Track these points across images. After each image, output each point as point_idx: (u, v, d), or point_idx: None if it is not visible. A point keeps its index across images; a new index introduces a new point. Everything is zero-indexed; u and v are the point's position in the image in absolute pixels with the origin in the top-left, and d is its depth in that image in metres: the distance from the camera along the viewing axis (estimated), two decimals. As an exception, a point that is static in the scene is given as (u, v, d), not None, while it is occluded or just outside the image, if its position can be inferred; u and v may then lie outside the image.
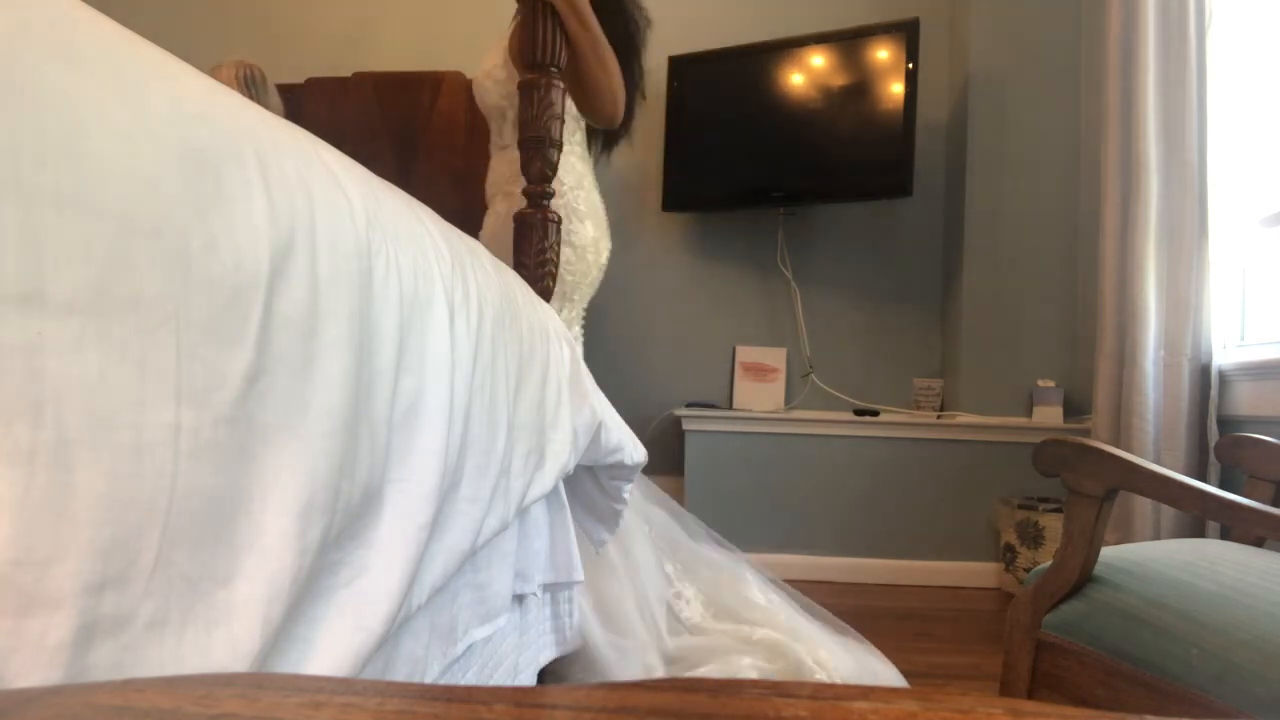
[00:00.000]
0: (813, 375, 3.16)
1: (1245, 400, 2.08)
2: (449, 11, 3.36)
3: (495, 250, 1.64)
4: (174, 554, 0.42)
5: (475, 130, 2.69)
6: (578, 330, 2.00)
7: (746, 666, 1.61)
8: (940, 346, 3.20)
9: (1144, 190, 2.23)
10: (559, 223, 1.69)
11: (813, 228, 3.20)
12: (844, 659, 1.75)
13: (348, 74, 2.76)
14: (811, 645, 1.73)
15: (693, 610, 1.76)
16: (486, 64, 1.91)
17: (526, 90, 1.61)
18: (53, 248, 0.36)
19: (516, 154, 1.78)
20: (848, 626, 1.94)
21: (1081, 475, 1.10)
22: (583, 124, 1.97)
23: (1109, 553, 1.15)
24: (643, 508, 1.86)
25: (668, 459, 3.07)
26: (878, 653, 1.87)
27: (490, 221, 1.96)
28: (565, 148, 1.85)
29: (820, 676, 1.67)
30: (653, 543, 1.81)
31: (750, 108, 3.02)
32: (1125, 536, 2.19)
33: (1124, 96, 2.34)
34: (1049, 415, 2.82)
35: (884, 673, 1.80)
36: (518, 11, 1.72)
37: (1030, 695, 1.12)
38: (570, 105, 1.84)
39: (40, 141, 0.36)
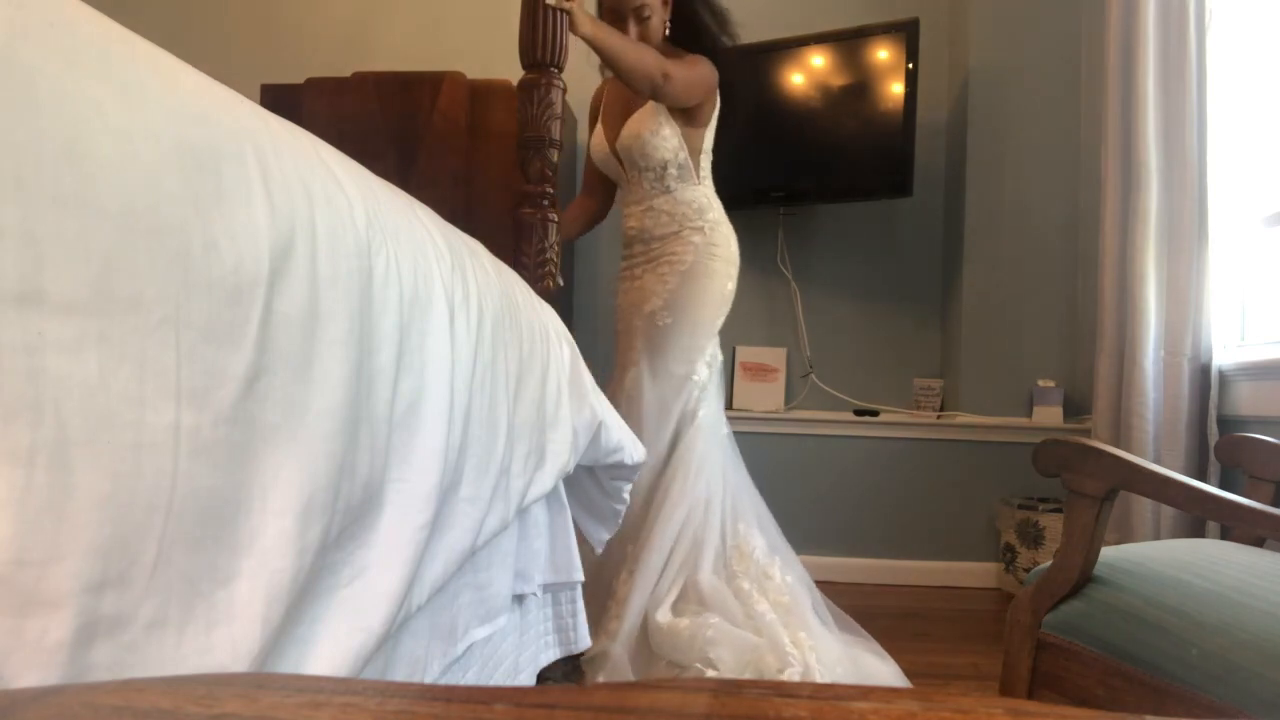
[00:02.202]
0: (813, 375, 3.16)
1: (1245, 400, 2.08)
2: (449, 11, 3.36)
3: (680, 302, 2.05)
4: (174, 554, 0.42)
5: (475, 130, 2.69)
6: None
7: (715, 624, 1.76)
8: (940, 346, 3.20)
9: (1144, 190, 2.23)
10: (559, 222, 1.69)
11: (813, 228, 3.20)
12: (830, 645, 1.80)
13: (348, 74, 2.76)
14: (794, 629, 1.80)
15: (740, 565, 1.94)
16: (647, 124, 2.06)
17: (526, 90, 1.61)
18: (53, 248, 0.36)
19: (677, 196, 2.11)
20: (855, 624, 1.94)
21: (1082, 475, 1.10)
22: (709, 158, 2.19)
23: (1109, 553, 1.15)
24: (741, 475, 2.10)
25: (668, 459, 3.07)
26: (880, 650, 1.87)
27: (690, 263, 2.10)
28: (707, 184, 2.16)
29: (790, 651, 1.72)
30: (734, 502, 2.02)
31: (750, 108, 3.01)
32: (1125, 536, 2.18)
33: (1124, 96, 2.34)
34: (1049, 415, 2.82)
35: (879, 668, 1.82)
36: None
37: (1030, 695, 1.12)
38: (703, 143, 2.15)
39: (40, 141, 0.36)
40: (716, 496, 2.00)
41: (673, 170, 2.10)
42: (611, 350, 2.53)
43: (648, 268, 2.12)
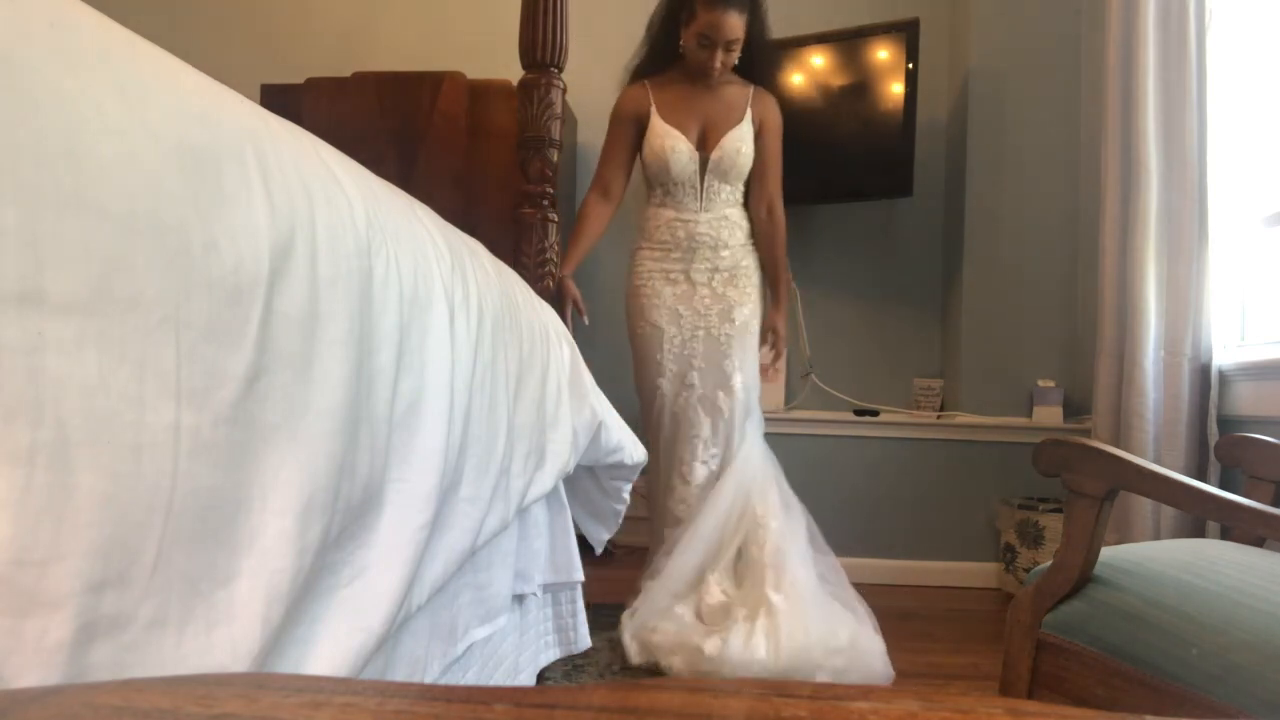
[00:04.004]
0: (813, 375, 3.16)
1: (1245, 400, 2.08)
2: (449, 11, 3.36)
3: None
4: (174, 554, 0.42)
5: (475, 131, 2.69)
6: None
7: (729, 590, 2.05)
8: (940, 346, 3.20)
9: (1144, 190, 2.23)
10: (559, 222, 1.69)
11: (813, 228, 3.20)
12: (804, 586, 2.00)
13: (348, 74, 2.76)
14: (760, 582, 2.01)
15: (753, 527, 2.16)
16: (745, 140, 2.23)
17: (526, 90, 1.61)
18: (53, 248, 0.36)
19: (741, 209, 2.31)
20: (857, 604, 2.05)
21: (1082, 475, 1.10)
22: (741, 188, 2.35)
23: (1109, 553, 1.15)
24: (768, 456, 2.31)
25: (668, 459, 3.06)
26: (861, 614, 1.99)
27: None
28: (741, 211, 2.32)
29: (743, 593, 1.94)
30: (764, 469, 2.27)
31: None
32: (1125, 536, 2.18)
33: (1124, 96, 2.34)
34: (1049, 415, 2.82)
35: (846, 618, 1.97)
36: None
37: (1030, 695, 1.12)
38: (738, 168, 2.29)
39: (40, 141, 0.36)
40: (759, 469, 2.23)
41: (742, 185, 2.29)
42: (610, 350, 2.53)
43: (719, 276, 2.25)
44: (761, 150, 2.28)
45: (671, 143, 2.20)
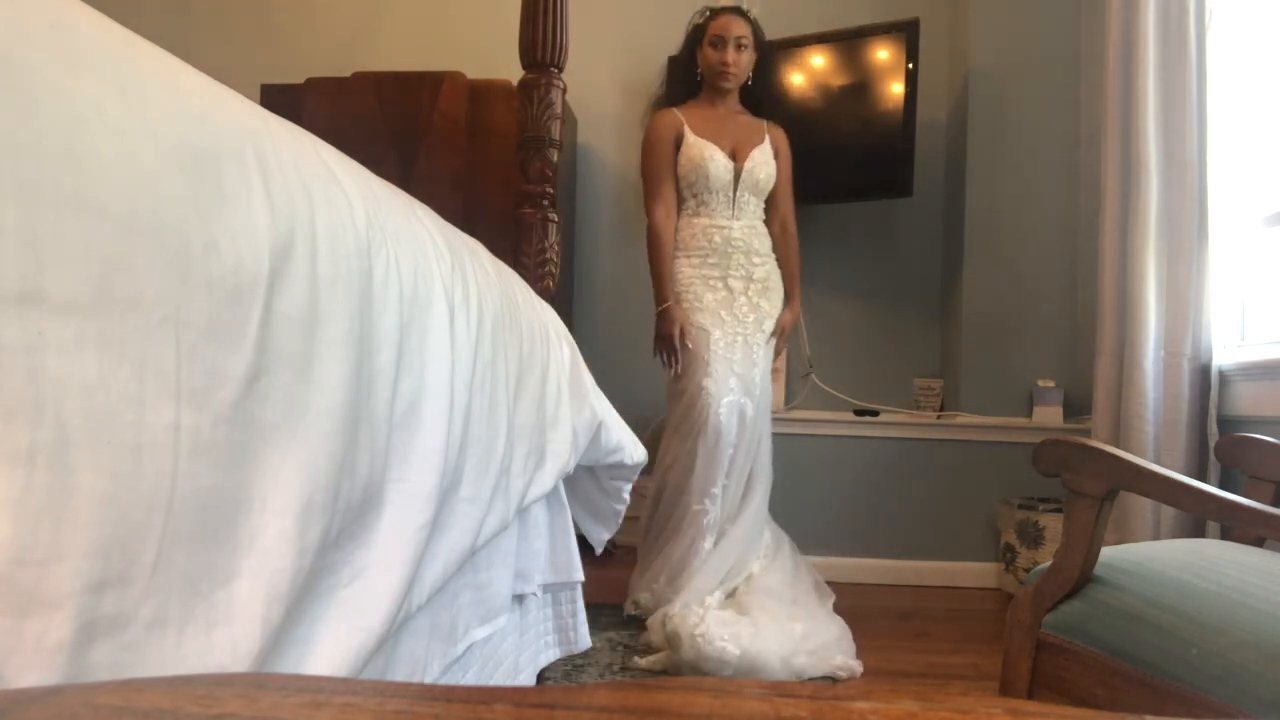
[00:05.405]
0: (813, 375, 3.16)
1: (1245, 400, 2.08)
2: (449, 11, 3.36)
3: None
4: (174, 554, 0.42)
5: (475, 131, 2.69)
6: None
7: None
8: (940, 346, 3.20)
9: (1144, 190, 2.23)
10: (559, 222, 1.69)
11: (813, 228, 3.19)
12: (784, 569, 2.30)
13: (348, 74, 2.76)
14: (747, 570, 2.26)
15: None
16: (770, 156, 2.44)
17: (526, 90, 1.61)
18: (53, 248, 0.36)
19: (763, 221, 2.47)
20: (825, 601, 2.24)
21: (1082, 475, 1.10)
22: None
23: (1109, 553, 1.15)
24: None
25: (668, 459, 3.06)
26: (837, 626, 2.07)
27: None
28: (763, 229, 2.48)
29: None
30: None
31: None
32: (1125, 536, 2.18)
33: (1124, 96, 2.34)
34: (1049, 415, 2.82)
35: (819, 610, 2.16)
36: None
37: (1030, 695, 1.12)
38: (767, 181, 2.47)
39: (40, 141, 0.36)
40: (764, 516, 2.41)
41: (763, 203, 2.47)
42: (610, 350, 2.53)
43: (754, 286, 2.38)
44: (776, 174, 2.46)
45: (709, 152, 2.35)
